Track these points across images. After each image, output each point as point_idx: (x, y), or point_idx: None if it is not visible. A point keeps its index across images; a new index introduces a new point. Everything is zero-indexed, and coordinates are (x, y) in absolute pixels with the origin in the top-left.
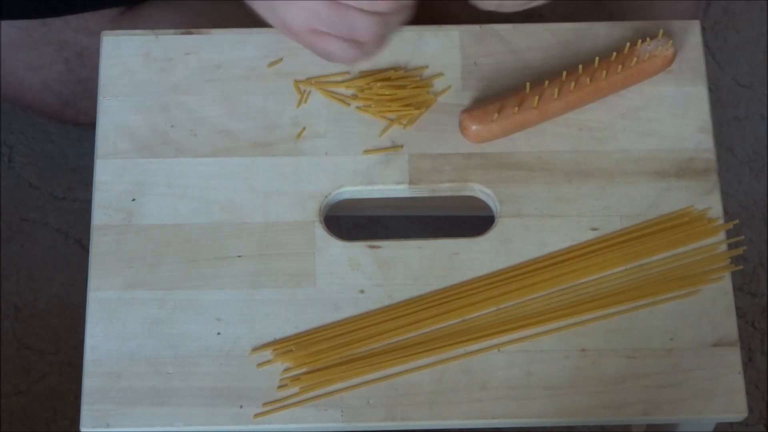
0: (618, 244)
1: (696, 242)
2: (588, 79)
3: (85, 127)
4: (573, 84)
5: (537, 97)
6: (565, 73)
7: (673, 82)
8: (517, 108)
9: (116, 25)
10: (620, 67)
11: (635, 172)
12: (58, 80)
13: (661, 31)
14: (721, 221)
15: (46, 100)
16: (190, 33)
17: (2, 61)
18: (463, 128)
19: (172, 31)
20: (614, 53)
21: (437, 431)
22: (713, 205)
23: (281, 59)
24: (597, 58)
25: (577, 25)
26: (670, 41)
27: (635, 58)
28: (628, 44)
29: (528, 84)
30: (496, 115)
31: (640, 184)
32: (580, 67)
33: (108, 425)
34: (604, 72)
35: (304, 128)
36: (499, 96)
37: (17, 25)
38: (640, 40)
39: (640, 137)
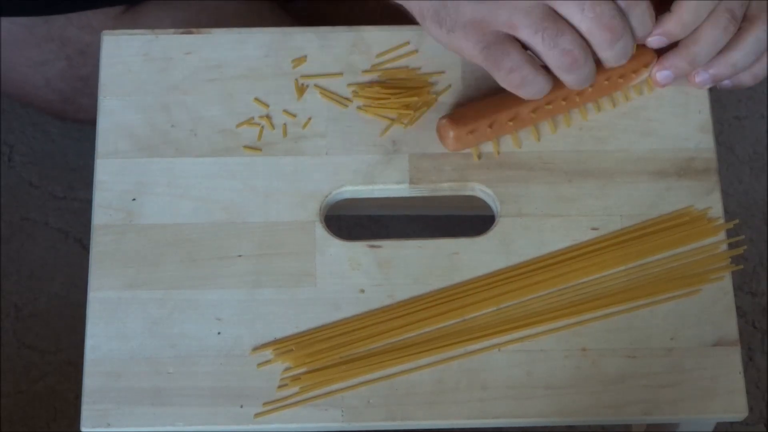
0: (618, 244)
1: (696, 242)
2: (563, 101)
3: (86, 124)
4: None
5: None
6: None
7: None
8: (490, 124)
9: (119, 22)
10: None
11: (635, 171)
12: (60, 77)
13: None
14: (722, 221)
15: (47, 96)
16: (190, 33)
17: (4, 57)
18: (441, 137)
19: (171, 30)
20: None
21: (437, 431)
22: (713, 204)
23: (305, 57)
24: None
25: None
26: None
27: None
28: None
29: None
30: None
31: (640, 183)
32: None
33: (108, 425)
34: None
35: (310, 118)
36: (478, 105)
37: (20, 22)
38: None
39: (640, 137)
